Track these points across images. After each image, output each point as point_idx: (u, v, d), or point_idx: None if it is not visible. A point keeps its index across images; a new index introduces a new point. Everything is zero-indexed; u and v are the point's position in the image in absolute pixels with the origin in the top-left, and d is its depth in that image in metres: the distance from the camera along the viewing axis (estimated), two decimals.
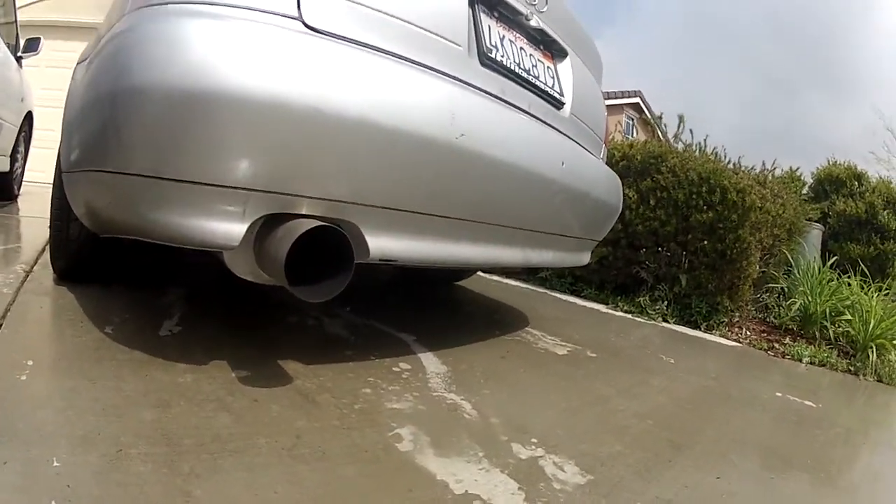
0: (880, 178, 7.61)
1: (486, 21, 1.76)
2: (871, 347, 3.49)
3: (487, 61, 1.73)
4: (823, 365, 3.36)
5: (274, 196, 1.24)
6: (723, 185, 3.89)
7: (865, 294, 4.25)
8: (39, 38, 5.11)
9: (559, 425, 1.52)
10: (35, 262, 2.35)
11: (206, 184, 1.17)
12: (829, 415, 2.22)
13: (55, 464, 0.93)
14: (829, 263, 4.83)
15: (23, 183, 5.77)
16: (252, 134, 1.17)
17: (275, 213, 1.27)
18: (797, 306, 4.28)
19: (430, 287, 3.48)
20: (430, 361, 1.85)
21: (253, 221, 1.25)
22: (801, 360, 3.37)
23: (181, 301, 2.06)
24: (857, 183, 7.31)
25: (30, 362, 1.31)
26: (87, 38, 1.95)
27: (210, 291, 2.44)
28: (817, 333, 4.00)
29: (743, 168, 4.74)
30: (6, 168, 4.73)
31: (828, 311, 4.09)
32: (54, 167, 2.04)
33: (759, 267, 4.32)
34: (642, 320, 3.82)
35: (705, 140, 5.04)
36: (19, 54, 4.94)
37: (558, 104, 2.11)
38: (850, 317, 3.93)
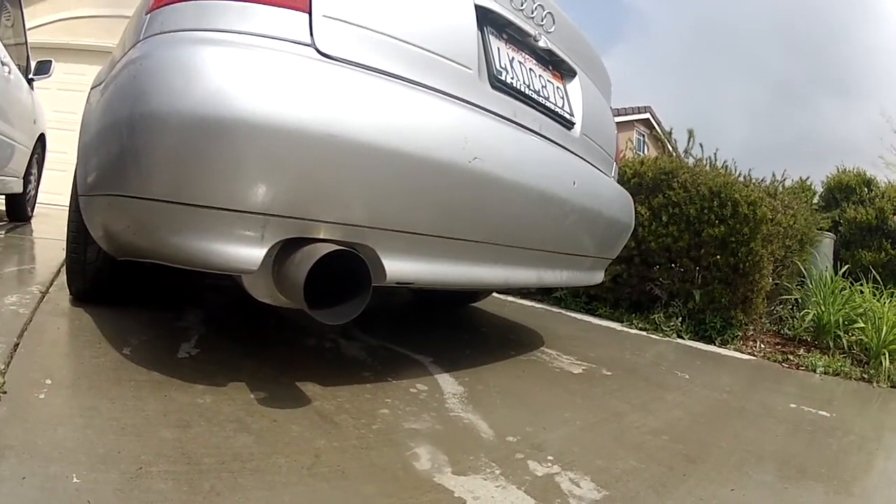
0: (889, 182, 7.53)
1: (495, 43, 1.79)
2: (885, 354, 3.46)
3: (498, 84, 1.75)
4: (837, 374, 3.33)
5: (291, 221, 1.26)
6: (734, 199, 3.89)
7: (878, 301, 4.22)
8: (51, 62, 5.14)
9: (575, 442, 1.52)
10: (51, 284, 2.37)
11: (224, 209, 1.19)
12: (843, 423, 2.20)
13: (75, 480, 0.93)
14: (841, 272, 4.79)
15: (36, 205, 5.83)
16: (268, 160, 1.19)
17: (292, 238, 1.29)
18: (810, 317, 4.26)
19: (445, 308, 3.49)
20: (446, 382, 1.86)
21: (271, 246, 1.27)
22: (815, 371, 3.34)
23: (198, 323, 2.09)
24: (866, 189, 7.25)
25: (48, 381, 1.32)
26: (98, 61, 1.98)
27: (226, 314, 2.46)
28: (831, 343, 3.97)
29: (754, 180, 4.73)
30: (20, 189, 4.78)
31: (841, 319, 4.06)
32: (70, 190, 2.06)
33: (773, 279, 4.31)
34: (657, 337, 3.81)
35: (715, 154, 5.04)
36: (31, 76, 4.98)
37: (569, 124, 2.12)
38: (862, 325, 3.90)
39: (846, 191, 7.39)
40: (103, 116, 1.41)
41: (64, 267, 2.44)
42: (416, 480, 1.16)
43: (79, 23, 9.56)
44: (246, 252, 1.24)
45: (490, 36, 1.78)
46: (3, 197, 4.98)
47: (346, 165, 1.27)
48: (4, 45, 3.88)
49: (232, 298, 2.71)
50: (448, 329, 2.96)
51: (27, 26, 5.16)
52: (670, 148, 6.80)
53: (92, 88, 2.01)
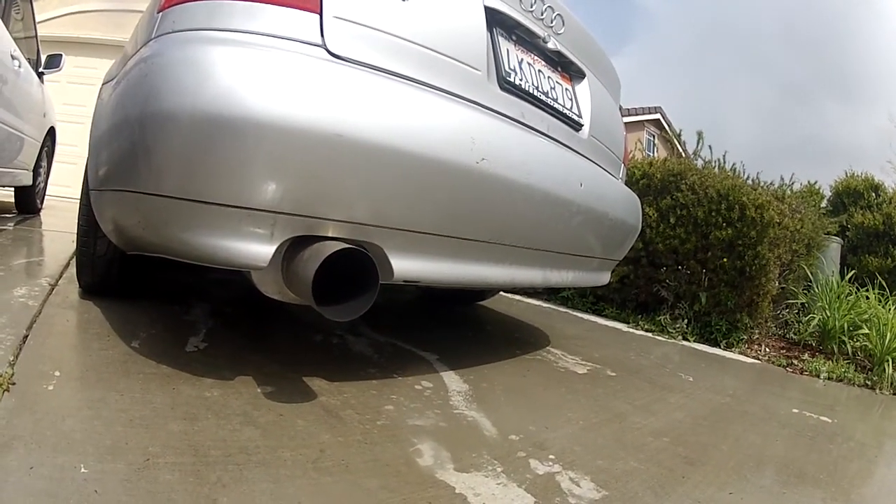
0: None
1: (504, 45, 1.80)
2: (888, 361, 3.45)
3: (506, 85, 1.76)
4: (841, 380, 3.33)
5: (300, 219, 1.28)
6: (741, 202, 3.89)
7: (883, 307, 4.21)
8: (61, 55, 5.15)
9: (577, 442, 1.53)
10: (60, 276, 2.39)
11: (234, 206, 1.21)
12: (844, 429, 2.20)
13: (83, 470, 0.95)
14: (847, 277, 4.78)
15: (45, 197, 5.87)
16: (277, 158, 1.20)
17: (302, 236, 1.30)
18: (815, 321, 4.25)
19: (452, 307, 3.50)
20: (451, 380, 1.88)
21: (281, 243, 1.28)
22: (818, 376, 3.34)
23: (206, 317, 2.11)
24: (874, 194, 7.23)
25: (57, 373, 1.34)
26: (106, 55, 1.99)
27: (234, 308, 2.48)
28: (835, 348, 3.96)
29: (762, 183, 4.72)
30: (29, 182, 4.80)
31: (846, 325, 4.05)
32: (81, 183, 2.08)
33: (779, 283, 4.30)
34: (662, 339, 3.82)
35: (724, 156, 5.03)
36: (41, 70, 4.99)
37: (577, 126, 2.13)
38: (867, 331, 3.89)
39: (854, 195, 7.37)
40: (115, 113, 1.42)
41: (73, 259, 2.46)
42: (418, 476, 1.17)
43: (87, 17, 9.62)
44: (256, 249, 1.25)
45: (499, 37, 1.79)
46: (13, 189, 5.00)
47: (355, 165, 1.28)
48: (15, 39, 3.89)
49: (240, 293, 2.73)
50: (454, 327, 2.97)
51: (37, 20, 5.17)
52: (680, 149, 6.78)
53: (104, 84, 2.03)
